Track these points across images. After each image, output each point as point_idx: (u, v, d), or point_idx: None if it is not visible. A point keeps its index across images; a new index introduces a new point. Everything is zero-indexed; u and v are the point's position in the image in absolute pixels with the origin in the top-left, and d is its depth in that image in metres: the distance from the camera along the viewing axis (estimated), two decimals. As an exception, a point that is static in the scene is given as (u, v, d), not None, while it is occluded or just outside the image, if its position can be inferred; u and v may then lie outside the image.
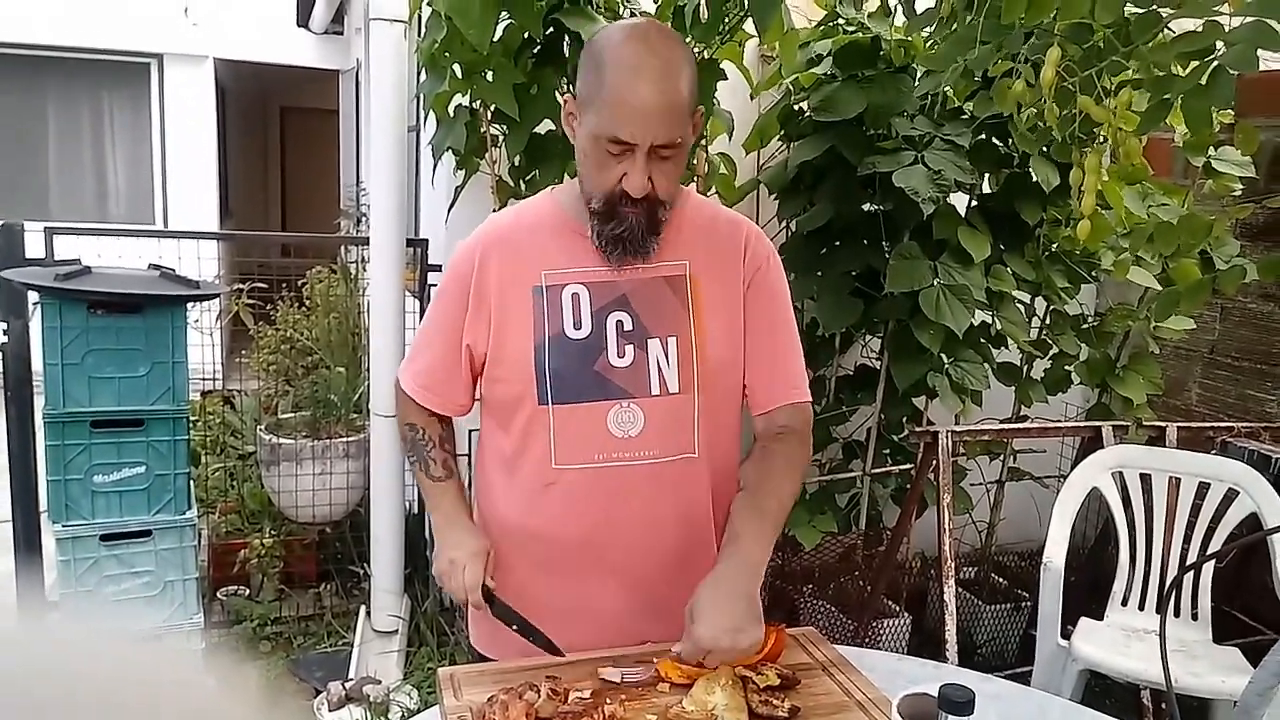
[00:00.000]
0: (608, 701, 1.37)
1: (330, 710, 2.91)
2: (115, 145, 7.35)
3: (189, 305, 2.95)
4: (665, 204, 1.46)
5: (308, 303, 5.05)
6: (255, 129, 10.14)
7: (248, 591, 3.55)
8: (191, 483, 3.05)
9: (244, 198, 9.41)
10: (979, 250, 2.72)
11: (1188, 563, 2.85)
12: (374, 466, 3.32)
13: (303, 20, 7.23)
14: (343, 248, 5.69)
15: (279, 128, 10.66)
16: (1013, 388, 3.29)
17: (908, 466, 3.28)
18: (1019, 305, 3.09)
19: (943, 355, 2.92)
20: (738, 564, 1.45)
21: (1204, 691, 2.50)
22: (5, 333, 3.06)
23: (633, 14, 2.66)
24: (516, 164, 2.84)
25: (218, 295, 3.07)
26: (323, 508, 3.54)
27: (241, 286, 5.00)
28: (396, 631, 3.27)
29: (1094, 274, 3.19)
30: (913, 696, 1.13)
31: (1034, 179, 2.82)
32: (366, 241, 3.29)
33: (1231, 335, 3.72)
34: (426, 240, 3.51)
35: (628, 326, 1.51)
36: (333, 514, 3.60)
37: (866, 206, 2.94)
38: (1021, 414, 3.42)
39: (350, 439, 3.59)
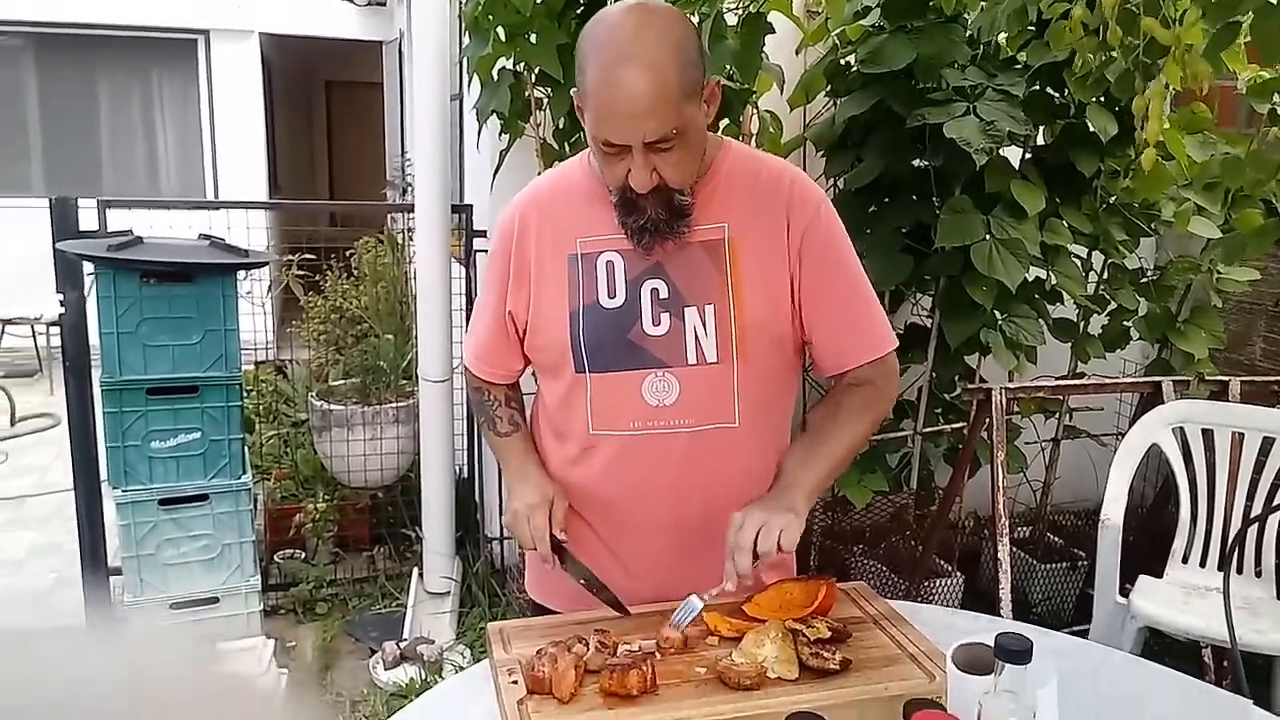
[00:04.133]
0: (657, 654, 1.37)
1: (385, 669, 2.95)
2: (165, 122, 7.45)
3: (239, 274, 2.98)
4: (682, 188, 1.42)
5: (356, 272, 5.11)
6: (301, 104, 10.22)
7: (303, 555, 3.61)
8: (246, 448, 3.10)
9: (292, 172, 9.50)
10: (1033, 203, 2.64)
11: (1251, 518, 2.78)
12: (423, 431, 3.35)
13: (346, -8, 7.25)
14: (389, 217, 5.72)
15: (324, 102, 10.74)
16: (1069, 344, 3.22)
17: (960, 425, 3.22)
18: (1075, 260, 3.01)
19: (996, 311, 2.86)
20: (780, 488, 1.49)
21: (1269, 649, 2.44)
22: (63, 304, 3.12)
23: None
24: (561, 127, 2.81)
25: (267, 263, 3.10)
26: (374, 472, 3.59)
27: (291, 258, 5.05)
28: (449, 593, 3.31)
29: (1153, 226, 3.10)
30: (968, 646, 1.11)
31: (1090, 129, 2.74)
32: (412, 209, 3.29)
33: (1298, 288, 3.60)
34: (471, 206, 3.51)
35: (663, 294, 1.48)
36: (384, 478, 3.64)
37: (916, 162, 2.88)
38: (1078, 371, 3.35)
39: (400, 404, 3.62)
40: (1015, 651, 1.01)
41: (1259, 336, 3.75)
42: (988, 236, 2.63)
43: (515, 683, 1.32)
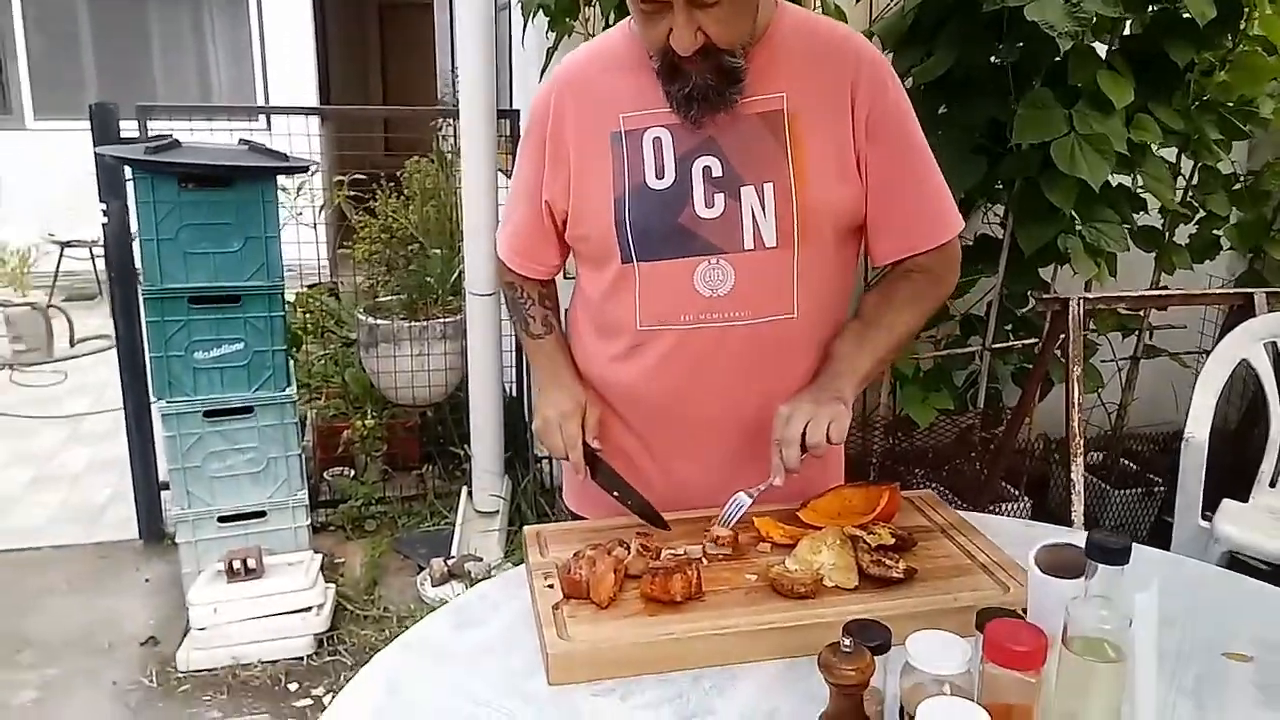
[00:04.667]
0: (704, 560, 1.26)
1: (433, 586, 2.91)
2: (216, 41, 7.38)
3: (281, 180, 2.89)
4: (731, 51, 1.27)
5: (406, 192, 5.03)
6: (354, 26, 10.08)
7: (352, 473, 3.58)
8: (290, 361, 3.05)
9: (344, 93, 9.40)
10: (1121, 96, 2.43)
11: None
12: (471, 346, 3.27)
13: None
14: (438, 137, 5.60)
15: (378, 24, 10.58)
16: (1153, 254, 3.00)
17: (1031, 342, 3.05)
18: (1163, 162, 2.78)
19: (1075, 216, 2.66)
20: (827, 376, 1.38)
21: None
22: (105, 214, 3.08)
23: None
24: (612, 22, 2.65)
25: (308, 168, 3.01)
26: (422, 389, 3.52)
27: (342, 177, 4.99)
28: (497, 511, 3.26)
29: (1249, 126, 2.85)
30: (1053, 548, 0.98)
31: (1186, 14, 2.50)
32: (458, 113, 3.17)
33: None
34: (518, 112, 3.37)
35: (716, 173, 1.35)
36: (432, 396, 3.58)
37: (992, 58, 2.67)
38: (1161, 285, 3.14)
39: (447, 320, 3.54)
40: (1112, 550, 0.88)
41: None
42: (1070, 132, 2.43)
43: (551, 586, 1.23)
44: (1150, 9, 2.65)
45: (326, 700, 2.55)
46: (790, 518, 1.39)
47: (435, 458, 3.65)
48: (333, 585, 2.89)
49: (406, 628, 2.79)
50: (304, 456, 3.07)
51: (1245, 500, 2.62)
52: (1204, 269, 3.13)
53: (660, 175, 1.36)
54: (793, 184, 1.34)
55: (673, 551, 1.26)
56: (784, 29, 1.38)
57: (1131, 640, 0.90)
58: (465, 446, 3.42)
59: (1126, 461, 3.37)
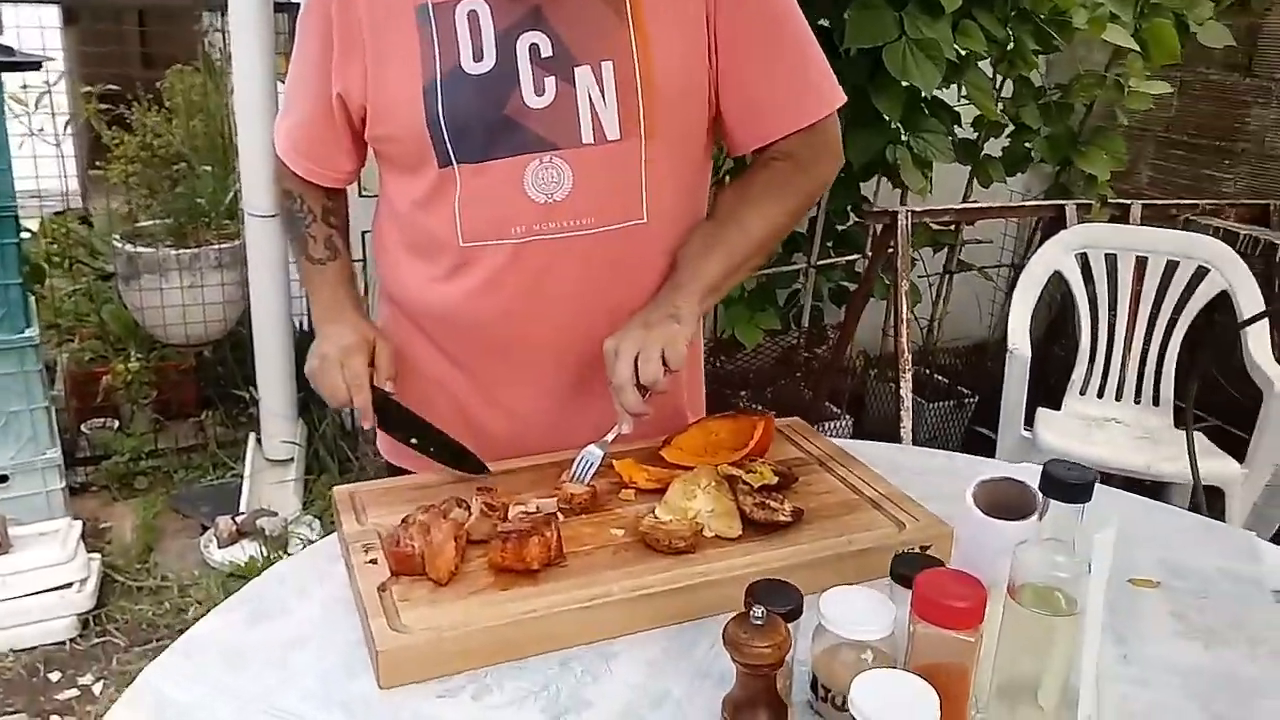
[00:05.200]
0: (560, 515, 1.06)
1: (220, 547, 2.57)
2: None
3: (7, 80, 2.40)
4: None
5: (169, 105, 4.46)
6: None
7: (117, 424, 3.13)
8: (31, 298, 2.58)
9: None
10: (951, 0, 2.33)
11: (1151, 347, 2.67)
12: (253, 276, 2.88)
13: None
14: (204, 42, 4.98)
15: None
16: (967, 168, 2.99)
17: (855, 258, 2.99)
18: (983, 73, 2.74)
19: (900, 128, 2.58)
20: (665, 291, 1.20)
21: (1176, 477, 2.35)
22: None
23: None
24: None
25: (39, 64, 2.51)
26: (196, 326, 3.10)
27: (90, 89, 4.36)
28: (292, 459, 2.92)
29: (1061, 38, 2.85)
30: (991, 483, 0.83)
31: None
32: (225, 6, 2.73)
33: (1189, 110, 3.46)
34: (298, 4, 2.95)
35: (545, 52, 1.12)
36: (209, 333, 3.16)
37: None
38: (972, 200, 3.14)
39: (223, 246, 3.12)
40: (1073, 486, 0.74)
41: (1146, 164, 3.63)
42: (901, 36, 2.32)
43: (373, 562, 0.99)
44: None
45: (96, 690, 2.20)
46: (654, 458, 1.20)
47: (216, 403, 3.24)
48: (98, 555, 2.50)
49: (190, 598, 2.48)
50: (54, 409, 2.63)
51: (1058, 409, 2.68)
52: (1003, 188, 3.15)
53: (479, 57, 1.12)
54: (636, 62, 1.13)
55: (524, 509, 1.04)
56: None
57: (1086, 588, 0.77)
58: (251, 388, 3.04)
59: (938, 376, 3.41)
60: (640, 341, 1.11)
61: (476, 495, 1.05)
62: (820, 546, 1.03)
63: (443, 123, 1.12)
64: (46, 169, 3.90)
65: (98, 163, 4.27)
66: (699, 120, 1.21)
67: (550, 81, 1.12)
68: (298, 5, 3.02)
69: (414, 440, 1.20)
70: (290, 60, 1.26)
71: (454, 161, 1.13)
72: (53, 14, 5.18)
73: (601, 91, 1.13)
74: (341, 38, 1.15)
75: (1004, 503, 0.82)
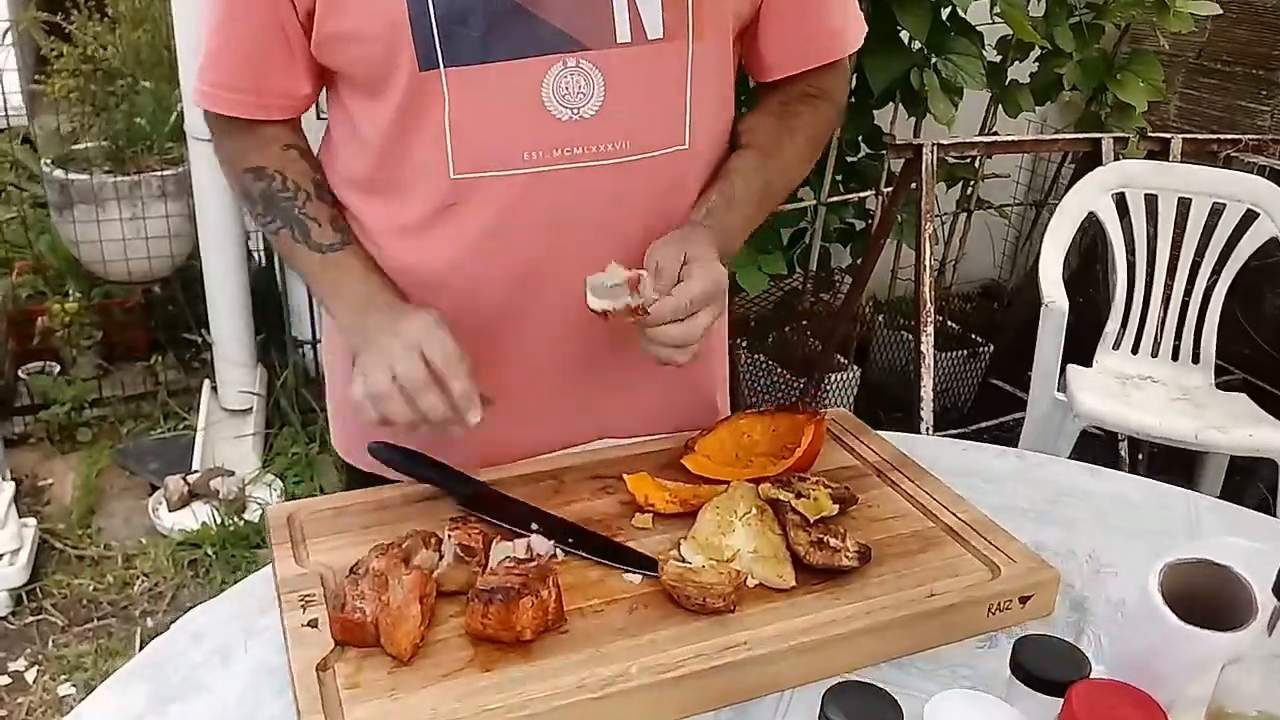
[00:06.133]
0: (556, 560, 0.82)
1: (170, 510, 2.33)
2: None
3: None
4: None
5: (111, 14, 4.10)
6: None
7: (58, 369, 2.85)
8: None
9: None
10: (990, -99, 2.04)
11: (1193, 299, 2.44)
12: (200, 204, 2.59)
13: None
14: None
15: None
16: (987, 95, 2.70)
17: (864, 195, 2.72)
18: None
19: (925, 50, 2.30)
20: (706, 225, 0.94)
21: (1234, 449, 2.14)
22: None
23: None
24: None
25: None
26: (139, 261, 2.80)
27: (25, -9, 3.99)
28: (250, 410, 2.67)
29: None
30: (1182, 566, 0.60)
31: None
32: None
33: (1223, 35, 3.18)
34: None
35: None
36: (154, 269, 2.86)
37: None
38: (993, 130, 2.86)
39: (166, 173, 2.81)
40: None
41: (1174, 93, 3.36)
42: (933, -58, 2.03)
43: (313, 624, 0.75)
44: None
45: (29, 676, 1.97)
46: (674, 467, 0.96)
47: (166, 347, 2.96)
48: (33, 520, 2.25)
49: (135, 569, 2.23)
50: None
51: (1088, 365, 2.46)
52: (1021, 117, 2.88)
53: None
54: None
55: (509, 553, 0.80)
56: None
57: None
58: (204, 331, 2.77)
59: (950, 323, 3.17)
60: (671, 252, 0.88)
61: (449, 529, 0.81)
62: (896, 601, 0.80)
63: (431, 5, 0.83)
64: (-13, 81, 3.56)
65: (38, 77, 3.93)
66: (734, 26, 0.96)
67: None
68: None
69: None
70: None
71: (440, 63, 0.85)
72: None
73: None
74: None
75: (1198, 592, 0.59)
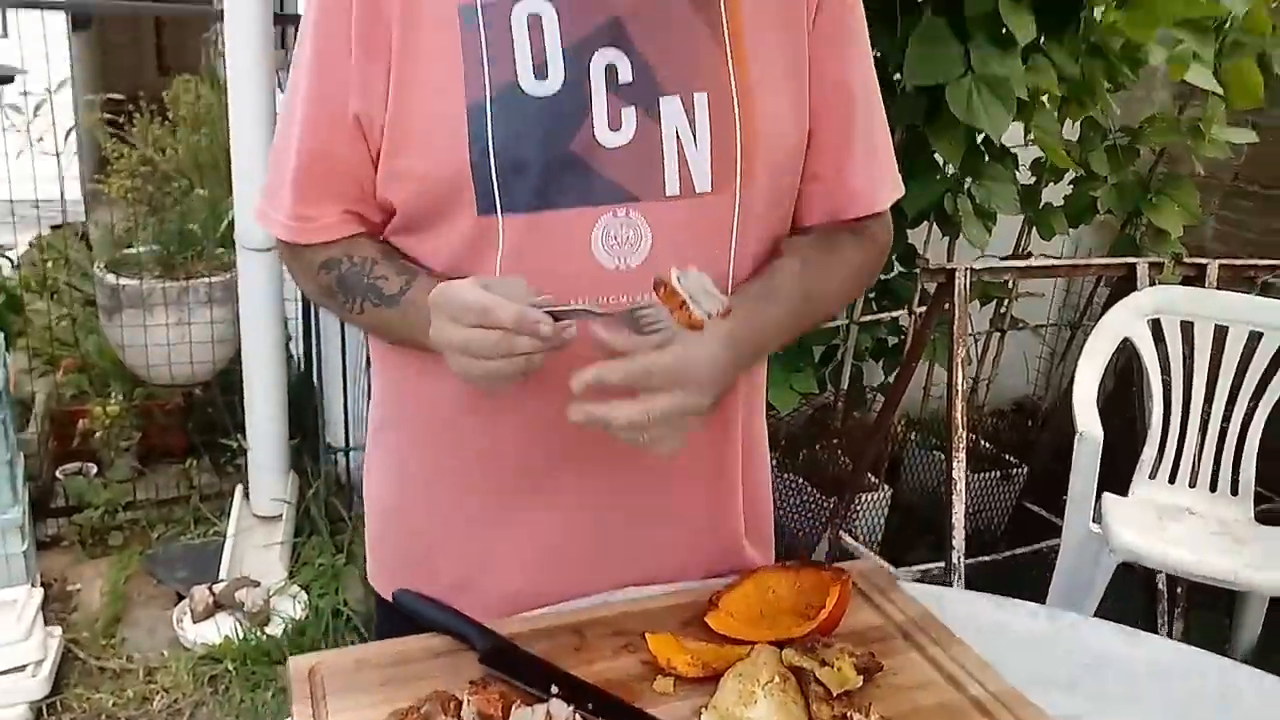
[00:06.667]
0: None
1: (195, 621, 2.33)
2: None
3: (10, 98, 2.17)
4: None
5: (172, 117, 4.28)
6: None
7: (95, 469, 2.89)
8: (3, 337, 2.34)
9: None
10: (1024, 30, 2.08)
11: (1230, 427, 2.41)
12: (246, 311, 2.65)
13: None
14: (209, 51, 4.80)
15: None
16: (1022, 217, 2.73)
17: (898, 314, 2.73)
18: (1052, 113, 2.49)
19: (959, 174, 2.34)
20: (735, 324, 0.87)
21: (1273, 590, 2.08)
22: None
23: None
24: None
25: (9, 77, 2.27)
26: (183, 366, 2.86)
27: (93, 97, 4.19)
28: (280, 517, 2.68)
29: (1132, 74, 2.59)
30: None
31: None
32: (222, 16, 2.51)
33: (1261, 157, 3.20)
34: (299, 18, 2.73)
35: (624, 76, 0.88)
36: (196, 374, 2.92)
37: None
38: (1025, 251, 2.88)
39: (214, 279, 2.88)
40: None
41: (1211, 214, 3.37)
42: (968, 73, 2.07)
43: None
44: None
45: (45, 792, 1.95)
46: (697, 624, 0.95)
47: (202, 450, 3.00)
48: (59, 628, 2.26)
49: (156, 684, 2.21)
50: (25, 455, 2.40)
51: (1125, 492, 2.41)
52: (1056, 238, 2.90)
53: (541, 75, 0.87)
54: (735, 94, 0.90)
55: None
56: None
57: None
58: (240, 435, 2.80)
59: (983, 442, 3.14)
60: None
61: (469, 694, 0.80)
62: (923, 786, 0.78)
63: (491, 155, 0.86)
64: (49, 175, 3.70)
65: (98, 176, 4.09)
66: (792, 169, 0.98)
67: (629, 114, 0.88)
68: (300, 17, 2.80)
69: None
70: (289, 86, 0.96)
71: (498, 209, 0.87)
72: (59, 20, 5.00)
73: (693, 131, 0.89)
74: (361, 38, 0.88)
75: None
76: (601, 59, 0.87)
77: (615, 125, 0.87)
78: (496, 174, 0.86)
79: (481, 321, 0.80)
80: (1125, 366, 2.72)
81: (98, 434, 2.85)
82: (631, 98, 0.87)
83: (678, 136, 0.88)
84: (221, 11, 2.56)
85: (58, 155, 3.90)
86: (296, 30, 2.43)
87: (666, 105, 0.88)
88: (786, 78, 0.93)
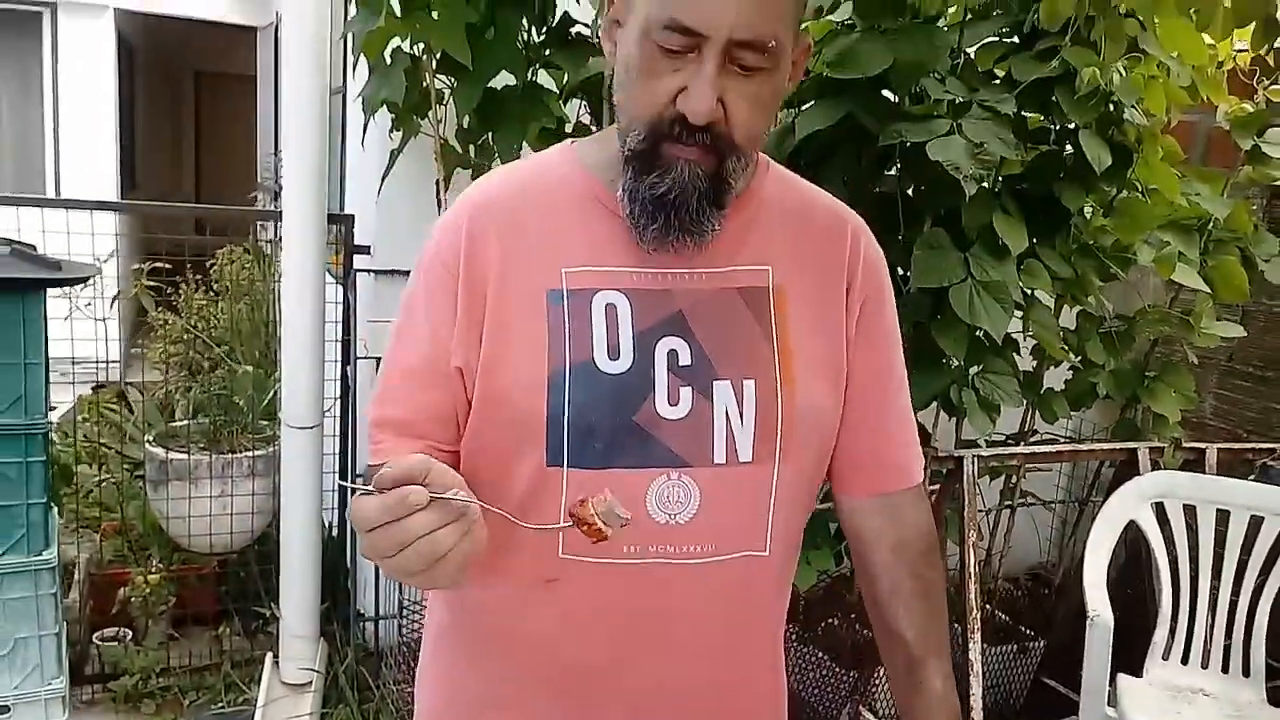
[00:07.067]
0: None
1: (223, 796, 2.37)
2: (1, 109, 6.59)
3: (50, 292, 2.37)
4: (741, 152, 0.97)
5: (216, 286, 4.51)
6: (166, 95, 9.36)
7: (130, 635, 2.98)
8: (52, 513, 2.47)
9: (153, 171, 8.64)
10: (1017, 241, 2.27)
11: (1239, 608, 2.47)
12: (285, 485, 2.78)
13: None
14: (257, 225, 5.08)
15: (194, 95, 9.89)
16: (1024, 403, 2.86)
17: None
18: (1048, 308, 2.66)
19: (964, 366, 2.49)
20: None
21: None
22: None
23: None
24: (466, 125, 2.32)
25: (87, 279, 2.48)
26: (222, 535, 2.98)
27: (140, 266, 4.44)
28: (309, 685, 2.74)
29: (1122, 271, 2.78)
30: None
31: (1076, 156, 2.40)
32: (280, 215, 2.74)
33: (1254, 342, 3.36)
34: (352, 217, 2.97)
35: (684, 360, 1.03)
36: (234, 543, 3.03)
37: (879, 189, 2.49)
38: (1029, 430, 3.00)
39: (257, 453, 3.03)
40: None
41: (1209, 393, 3.51)
42: (968, 278, 2.25)
43: None
44: (1038, 148, 2.54)
45: None
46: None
47: (235, 615, 3.09)
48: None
49: None
50: (66, 622, 2.49)
51: (1139, 671, 2.46)
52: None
53: (614, 355, 1.02)
54: (778, 382, 1.04)
55: None
56: (770, 186, 1.10)
57: None
58: (272, 603, 2.89)
59: (998, 613, 3.19)
60: None
61: None
62: None
63: (566, 418, 1.00)
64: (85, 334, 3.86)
65: (139, 340, 4.28)
66: (825, 448, 1.12)
67: (687, 392, 1.02)
68: (351, 217, 3.04)
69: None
70: (396, 335, 1.10)
71: (564, 463, 1.01)
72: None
73: (740, 410, 1.03)
74: (465, 300, 1.03)
75: None
76: (665, 345, 1.02)
77: (674, 401, 1.01)
78: (568, 437, 1.00)
79: (383, 519, 0.83)
80: (1135, 538, 2.80)
81: (133, 602, 2.94)
82: (689, 379, 1.02)
83: (727, 415, 1.02)
84: (277, 212, 2.80)
85: (104, 320, 4.13)
86: (348, 228, 2.66)
87: (719, 387, 1.02)
88: (825, 371, 1.08)
